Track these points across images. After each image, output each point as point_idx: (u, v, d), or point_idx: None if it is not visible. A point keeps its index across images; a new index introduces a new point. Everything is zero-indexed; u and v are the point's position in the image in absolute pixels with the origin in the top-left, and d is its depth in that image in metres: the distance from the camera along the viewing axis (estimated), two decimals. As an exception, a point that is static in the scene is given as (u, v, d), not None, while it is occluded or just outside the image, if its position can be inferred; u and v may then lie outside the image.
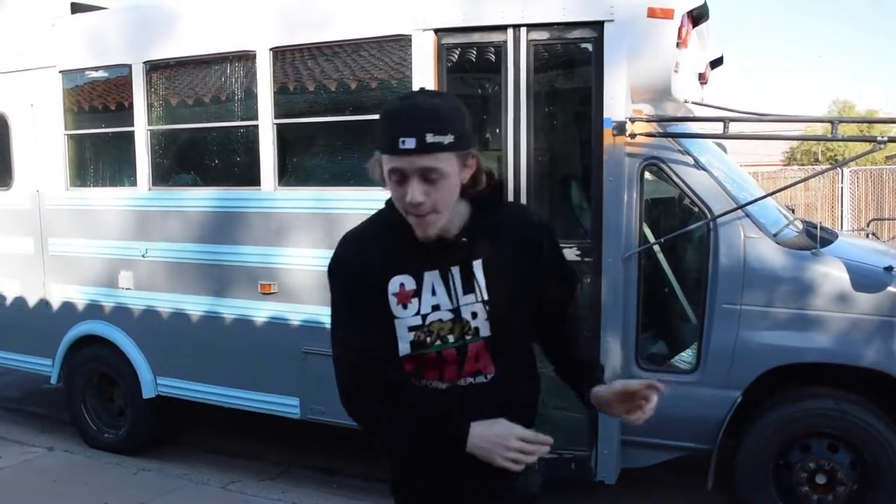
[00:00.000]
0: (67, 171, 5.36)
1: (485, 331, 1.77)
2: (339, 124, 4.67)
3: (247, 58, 4.66)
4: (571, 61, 4.75)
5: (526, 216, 2.02)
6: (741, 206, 3.93)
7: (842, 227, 14.75)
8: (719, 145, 4.89)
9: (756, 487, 3.94)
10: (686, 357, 4.18)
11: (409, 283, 1.74)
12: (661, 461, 4.24)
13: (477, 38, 4.20)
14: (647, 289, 4.19)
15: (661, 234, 4.27)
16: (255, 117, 4.63)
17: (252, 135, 4.69)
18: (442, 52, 4.16)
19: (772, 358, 3.87)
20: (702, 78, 4.85)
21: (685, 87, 4.33)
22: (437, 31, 4.13)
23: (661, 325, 4.51)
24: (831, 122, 4.01)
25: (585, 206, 4.72)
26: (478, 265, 1.76)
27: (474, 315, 1.76)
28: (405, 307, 1.74)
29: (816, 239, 3.97)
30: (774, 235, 3.99)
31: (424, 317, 1.74)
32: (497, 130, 4.33)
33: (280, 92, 4.61)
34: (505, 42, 4.06)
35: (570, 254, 4.01)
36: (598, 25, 3.91)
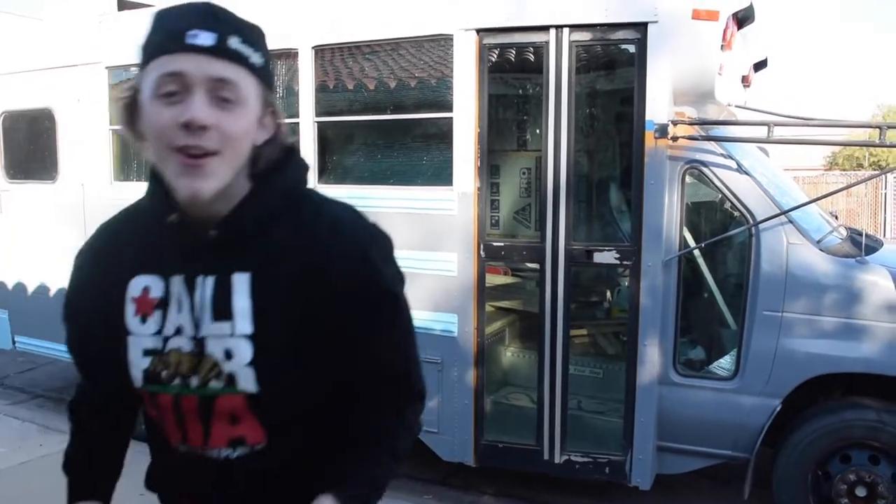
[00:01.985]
0: (112, 165, 5.45)
1: (247, 382, 1.21)
2: (380, 123, 4.69)
3: (289, 55, 4.69)
4: (613, 62, 4.73)
5: (335, 226, 1.28)
6: (784, 212, 3.87)
7: (885, 235, 14.46)
8: (761, 149, 4.82)
9: (794, 498, 3.88)
10: (725, 364, 4.13)
11: (156, 289, 1.25)
12: (697, 468, 4.19)
13: (519, 38, 4.19)
14: (687, 294, 4.14)
15: (702, 238, 4.22)
16: (296, 115, 4.66)
17: (292, 132, 4.73)
18: (483, 52, 4.15)
19: (813, 367, 3.81)
20: (745, 80, 4.78)
21: (728, 89, 4.28)
22: (479, 31, 4.12)
23: (700, 330, 4.46)
24: (879, 127, 3.93)
25: (625, 209, 4.70)
26: (242, 280, 1.21)
27: (228, 355, 1.21)
28: (143, 320, 1.25)
29: (861, 246, 3.90)
30: (818, 242, 3.93)
31: (166, 340, 1.24)
32: (537, 131, 4.33)
33: (321, 90, 4.64)
34: (547, 42, 4.04)
35: (609, 257, 3.99)
36: (641, 27, 3.88)
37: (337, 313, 1.22)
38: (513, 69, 4.81)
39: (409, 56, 4.45)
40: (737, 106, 4.57)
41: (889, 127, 3.94)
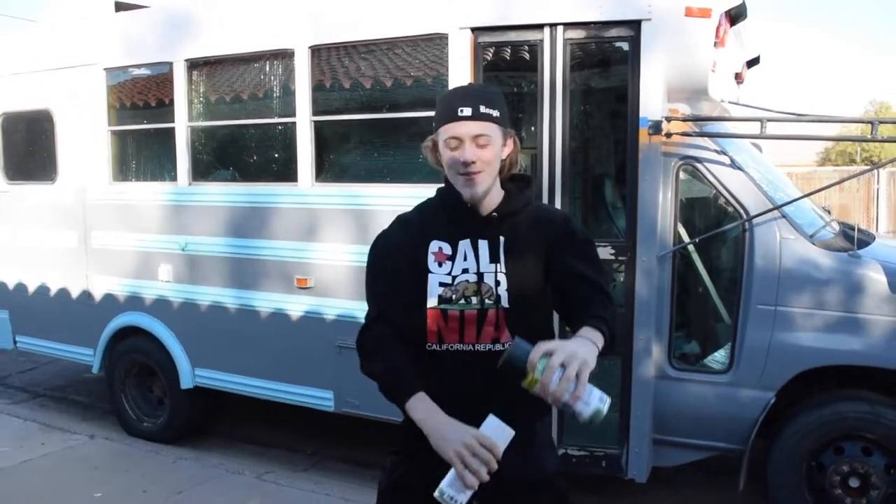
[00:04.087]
0: (110, 166, 5.48)
1: (504, 301, 1.98)
2: (376, 121, 4.73)
3: (285, 55, 4.73)
4: (607, 60, 4.77)
5: (550, 211, 2.29)
6: (778, 207, 3.91)
7: (877, 229, 14.52)
8: (755, 145, 4.86)
9: (788, 489, 3.93)
10: (719, 357, 4.17)
11: (446, 248, 2.04)
12: (692, 461, 4.24)
13: (513, 36, 4.23)
14: (682, 288, 4.19)
15: (696, 233, 4.27)
16: (293, 114, 4.70)
17: (290, 131, 4.77)
18: (478, 50, 4.19)
19: (806, 360, 3.86)
20: (738, 77, 4.82)
21: (722, 86, 4.32)
22: (473, 29, 4.16)
23: (695, 324, 4.51)
24: (871, 122, 3.98)
25: (620, 205, 4.74)
26: (503, 241, 2.02)
27: (497, 283, 1.99)
28: (440, 265, 2.02)
29: (854, 241, 3.95)
30: (811, 237, 3.98)
31: (454, 277, 2.01)
32: (532, 129, 4.36)
33: (317, 89, 4.67)
34: (541, 41, 4.08)
35: (605, 253, 4.03)
36: (635, 24, 3.92)
37: (561, 257, 2.02)
38: (507, 67, 4.84)
39: (405, 55, 4.49)
40: (730, 102, 4.61)
41: (881, 122, 3.99)
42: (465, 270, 2.01)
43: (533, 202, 2.16)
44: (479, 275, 2.00)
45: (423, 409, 1.86)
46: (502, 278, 1.99)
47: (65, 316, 5.82)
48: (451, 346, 2.01)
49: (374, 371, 1.98)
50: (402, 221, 2.16)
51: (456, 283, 2.00)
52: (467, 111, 1.95)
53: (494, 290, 1.99)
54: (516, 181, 2.13)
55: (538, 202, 2.34)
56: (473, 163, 1.95)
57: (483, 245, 2.03)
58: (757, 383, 3.93)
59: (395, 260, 2.07)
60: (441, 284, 2.01)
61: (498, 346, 1.97)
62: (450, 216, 2.07)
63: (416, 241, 2.06)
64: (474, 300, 1.99)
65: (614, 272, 4.12)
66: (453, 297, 2.00)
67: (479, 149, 1.96)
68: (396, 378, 1.94)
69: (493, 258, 2.01)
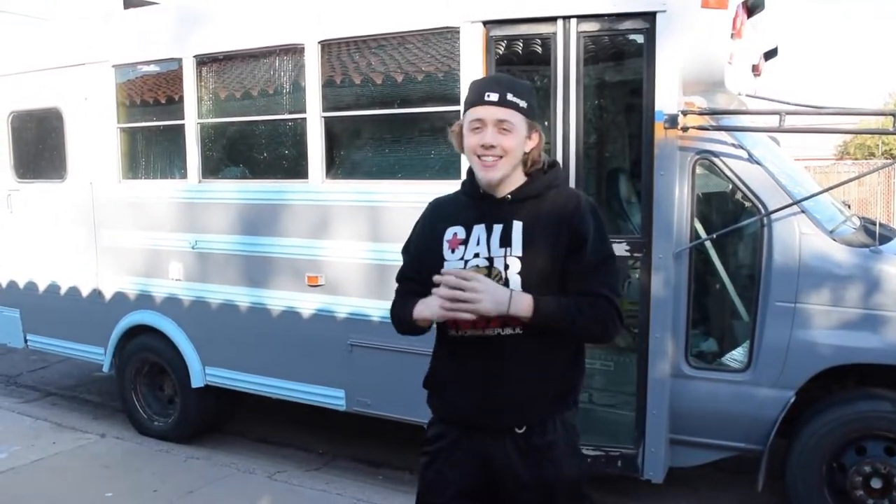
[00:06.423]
0: (120, 163, 5.46)
1: (515, 285, 2.01)
2: (387, 117, 4.67)
3: (295, 51, 4.68)
4: (622, 53, 4.69)
5: (573, 194, 2.21)
6: (797, 202, 3.83)
7: (898, 224, 14.33)
8: (772, 139, 4.78)
9: (808, 490, 3.85)
10: (737, 355, 4.09)
11: (461, 234, 2.10)
12: (710, 461, 4.17)
13: (526, 29, 4.16)
14: (698, 285, 4.11)
15: (713, 229, 4.18)
16: (304, 110, 4.65)
17: (300, 128, 4.72)
18: (490, 44, 4.13)
19: (827, 358, 3.78)
20: (755, 69, 4.74)
21: (739, 79, 4.24)
22: (485, 23, 4.09)
23: (712, 322, 4.43)
24: (893, 115, 3.88)
25: (635, 201, 4.67)
26: (518, 226, 2.05)
27: (507, 267, 2.02)
28: (453, 251, 2.09)
29: (875, 236, 3.86)
30: (831, 232, 3.89)
31: (466, 262, 2.07)
32: (545, 123, 4.29)
33: (328, 85, 4.63)
34: (554, 34, 4.01)
35: (620, 249, 3.96)
36: (649, 16, 3.84)
37: (574, 243, 2.05)
38: (520, 61, 4.76)
39: (416, 49, 4.43)
40: (747, 95, 4.53)
41: (902, 114, 3.89)
42: (477, 255, 2.06)
43: (559, 185, 2.17)
44: (490, 259, 2.04)
45: (419, 303, 2.08)
46: (512, 262, 2.02)
47: (75, 314, 5.81)
48: (466, 332, 2.07)
49: (393, 315, 2.23)
50: (432, 204, 2.28)
51: (467, 267, 2.05)
52: (494, 96, 2.00)
53: (504, 273, 2.02)
54: (542, 165, 2.15)
55: (566, 186, 2.31)
56: (493, 147, 2.00)
57: (497, 229, 2.06)
58: (776, 382, 3.85)
59: (421, 240, 2.22)
60: None
61: (507, 330, 2.03)
62: (468, 201, 2.14)
63: (436, 226, 2.16)
64: None
65: (629, 269, 4.05)
66: None
67: (501, 135, 2.00)
68: (404, 308, 2.15)
69: (504, 242, 2.04)
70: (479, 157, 2.02)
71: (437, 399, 2.22)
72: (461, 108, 2.16)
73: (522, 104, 2.02)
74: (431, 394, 2.24)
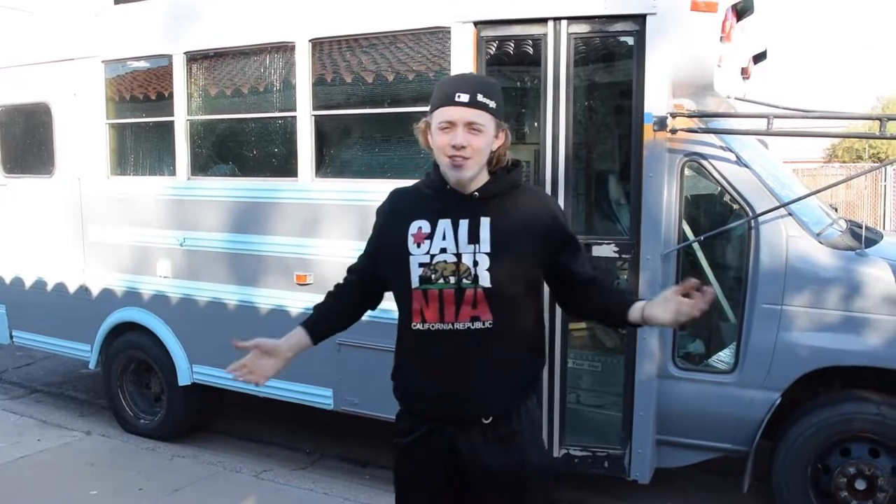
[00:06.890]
0: (108, 159, 5.43)
1: (484, 281, 2.03)
2: (377, 116, 4.66)
3: (286, 49, 4.67)
4: (612, 55, 4.70)
5: (538, 194, 2.39)
6: (784, 205, 3.85)
7: (885, 227, 14.44)
8: (761, 141, 4.80)
9: (793, 491, 3.87)
10: (724, 357, 4.11)
11: (426, 227, 2.09)
12: (696, 462, 4.18)
13: (517, 30, 4.16)
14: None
15: (701, 231, 4.20)
16: (294, 108, 4.64)
17: (290, 126, 4.71)
18: (481, 44, 4.13)
19: (813, 360, 3.80)
20: (744, 72, 4.76)
21: (728, 81, 4.26)
22: (476, 23, 4.10)
23: (699, 324, 4.44)
24: (880, 119, 3.91)
25: (624, 202, 4.68)
26: (486, 222, 2.06)
27: (476, 263, 2.04)
28: (419, 246, 2.08)
29: (861, 239, 3.89)
30: (818, 235, 3.91)
31: (432, 256, 2.06)
32: (535, 124, 4.30)
33: (318, 83, 4.62)
34: (545, 35, 4.02)
35: (608, 250, 3.98)
36: (639, 18, 3.85)
37: (566, 265, 2.16)
38: (511, 62, 4.77)
39: (407, 49, 4.43)
40: (736, 98, 4.54)
41: (889, 119, 3.91)
42: (444, 250, 2.06)
43: (522, 185, 2.20)
44: (458, 255, 2.05)
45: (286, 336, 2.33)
46: (481, 259, 2.03)
47: (62, 311, 5.77)
48: (433, 326, 2.08)
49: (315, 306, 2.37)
50: (394, 194, 2.29)
51: (434, 262, 2.06)
52: (464, 97, 2.00)
53: (473, 270, 2.03)
54: (506, 164, 2.18)
55: (528, 185, 2.39)
56: (464, 147, 2.00)
57: (463, 225, 2.07)
58: (762, 383, 3.87)
59: (383, 233, 2.24)
60: (421, 265, 2.07)
61: (478, 325, 2.05)
62: (433, 196, 2.13)
63: (402, 216, 2.15)
64: (452, 280, 2.05)
65: (618, 270, 4.06)
66: (432, 276, 2.06)
67: (471, 135, 2.01)
68: (311, 314, 2.34)
69: (473, 239, 2.05)
70: (449, 156, 2.02)
71: (402, 391, 2.24)
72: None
73: (492, 105, 2.04)
74: (397, 385, 2.26)
